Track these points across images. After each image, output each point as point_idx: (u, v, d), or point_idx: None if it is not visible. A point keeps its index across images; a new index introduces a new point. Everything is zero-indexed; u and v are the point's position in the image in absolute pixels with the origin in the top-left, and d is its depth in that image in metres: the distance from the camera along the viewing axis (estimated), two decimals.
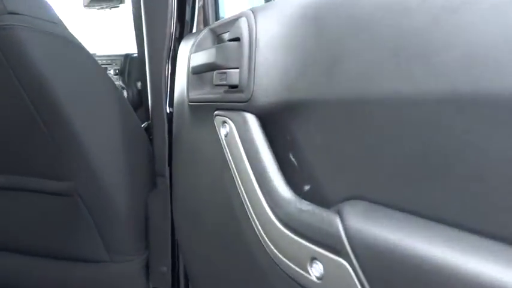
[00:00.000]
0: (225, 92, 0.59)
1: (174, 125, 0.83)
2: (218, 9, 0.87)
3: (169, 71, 0.84)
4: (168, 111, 0.86)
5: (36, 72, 0.71)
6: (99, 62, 1.73)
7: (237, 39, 0.55)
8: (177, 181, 0.85)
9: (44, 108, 0.74)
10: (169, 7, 0.79)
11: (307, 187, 0.51)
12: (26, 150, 0.83)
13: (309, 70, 0.46)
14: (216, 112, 0.62)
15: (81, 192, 0.83)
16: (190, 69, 0.70)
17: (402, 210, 0.38)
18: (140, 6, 0.82)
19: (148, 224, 0.91)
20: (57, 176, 0.83)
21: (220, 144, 0.61)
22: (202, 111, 0.68)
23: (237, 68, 0.55)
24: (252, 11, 0.55)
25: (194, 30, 0.85)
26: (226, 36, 0.61)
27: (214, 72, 0.59)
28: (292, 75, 0.49)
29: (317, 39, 0.46)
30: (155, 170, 0.91)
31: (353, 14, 0.42)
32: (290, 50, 0.49)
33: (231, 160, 0.58)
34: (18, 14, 0.70)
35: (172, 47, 0.82)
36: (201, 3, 0.85)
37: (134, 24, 0.88)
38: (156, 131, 0.88)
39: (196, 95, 0.70)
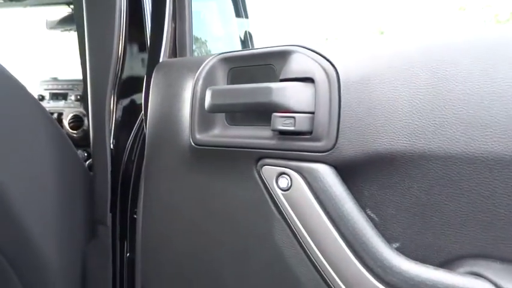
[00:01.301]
0: (283, 138, 0.53)
1: (159, 168, 0.71)
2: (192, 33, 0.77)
3: (116, 101, 0.71)
4: (112, 147, 0.73)
5: None
6: (60, 87, 1.61)
7: (308, 79, 0.51)
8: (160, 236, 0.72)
9: None
10: (117, 26, 0.68)
11: (395, 245, 0.49)
12: None
13: (418, 120, 0.45)
14: (263, 161, 0.56)
15: (4, 250, 0.69)
16: (200, 105, 0.62)
17: None
18: (83, 24, 0.70)
19: (87, 280, 0.79)
20: None
21: (264, 197, 0.56)
22: (224, 156, 0.60)
23: (309, 113, 0.50)
24: (308, 48, 0.52)
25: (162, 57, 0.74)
26: (253, 71, 0.58)
27: (273, 114, 0.52)
28: (392, 125, 0.46)
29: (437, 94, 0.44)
30: (95, 217, 0.78)
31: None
32: (392, 99, 0.46)
33: (295, 217, 0.53)
34: None
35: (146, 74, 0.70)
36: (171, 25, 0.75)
37: (79, 46, 0.75)
38: (97, 171, 0.75)
39: (208, 137, 0.61)
